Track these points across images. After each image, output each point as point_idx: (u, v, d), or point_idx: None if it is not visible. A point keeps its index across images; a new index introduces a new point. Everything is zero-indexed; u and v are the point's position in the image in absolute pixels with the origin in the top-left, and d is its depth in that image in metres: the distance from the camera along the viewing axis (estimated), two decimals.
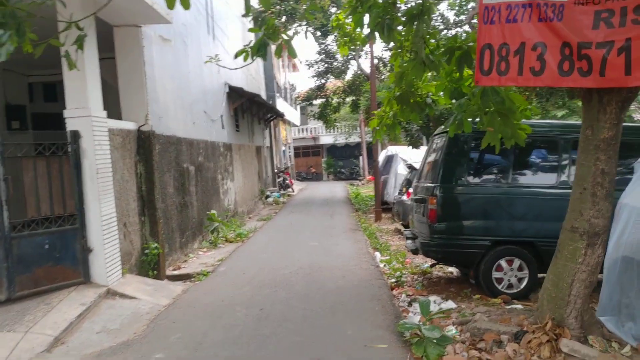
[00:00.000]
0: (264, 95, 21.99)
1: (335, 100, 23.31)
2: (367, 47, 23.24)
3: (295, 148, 40.09)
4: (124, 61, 7.65)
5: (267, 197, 20.81)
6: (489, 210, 6.75)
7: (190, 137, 10.51)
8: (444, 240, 6.78)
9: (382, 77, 21.65)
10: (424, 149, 19.66)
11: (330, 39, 22.59)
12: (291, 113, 33.44)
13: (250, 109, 18.40)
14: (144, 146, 7.72)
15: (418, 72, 6.20)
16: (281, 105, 26.44)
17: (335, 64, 22.74)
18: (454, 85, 6.62)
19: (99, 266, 6.14)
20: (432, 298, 6.53)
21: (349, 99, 31.76)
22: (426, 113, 7.51)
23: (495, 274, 6.67)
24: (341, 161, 41.05)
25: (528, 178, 6.85)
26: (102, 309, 5.65)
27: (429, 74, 6.77)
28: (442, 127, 7.62)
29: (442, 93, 7.47)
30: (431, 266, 7.78)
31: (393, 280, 7.44)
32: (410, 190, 12.25)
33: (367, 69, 21.76)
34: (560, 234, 4.56)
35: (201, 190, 11.11)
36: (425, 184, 7.37)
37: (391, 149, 25.87)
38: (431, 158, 7.69)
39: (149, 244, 7.57)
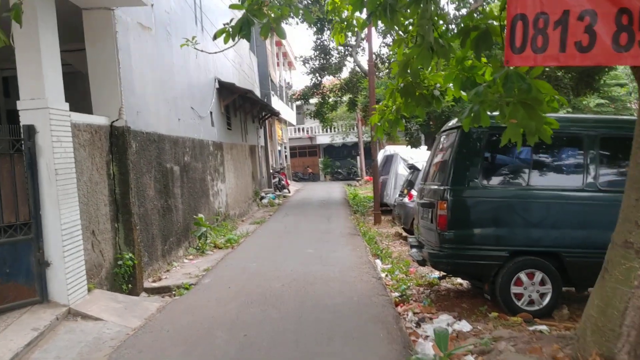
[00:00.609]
0: (258, 93, 21.17)
1: (332, 99, 22.46)
2: (364, 43, 22.44)
3: (292, 148, 39.26)
4: (94, 48, 6.81)
5: (262, 198, 19.97)
6: (507, 216, 5.94)
7: (174, 135, 9.67)
8: (455, 250, 5.97)
9: (380, 74, 20.86)
10: (423, 148, 18.91)
11: (326, 34, 21.77)
12: (287, 112, 32.61)
13: (243, 107, 17.55)
14: (117, 144, 6.88)
15: (425, 60, 5.39)
16: (276, 103, 25.61)
17: (332, 60, 21.92)
18: (465, 74, 5.78)
19: (58, 282, 5.30)
20: (443, 317, 5.72)
21: (345, 98, 30.95)
22: (432, 108, 6.71)
23: (514, 289, 5.86)
24: (338, 161, 40.25)
25: (550, 180, 6.04)
26: (59, 335, 4.81)
27: (437, 62, 5.95)
28: (453, 121, 6.81)
29: (451, 85, 6.70)
30: (440, 278, 6.96)
31: (397, 294, 6.63)
32: (413, 192, 11.44)
33: (364, 65, 20.94)
34: (608, 249, 3.74)
35: (188, 192, 10.27)
36: (433, 187, 6.55)
37: (389, 149, 25.11)
38: (439, 157, 6.88)
39: (123, 254, 6.73)
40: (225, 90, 14.37)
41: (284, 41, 31.76)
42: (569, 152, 6.07)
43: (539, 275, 5.84)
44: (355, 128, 36.78)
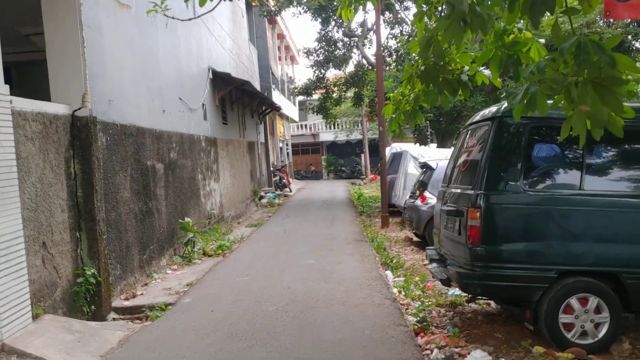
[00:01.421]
0: (257, 86, 20.01)
1: (336, 93, 21.24)
2: (371, 35, 21.24)
3: (294, 145, 38.10)
4: (53, 22, 5.67)
5: (261, 198, 18.84)
6: (554, 228, 4.78)
7: (158, 128, 8.52)
8: (490, 269, 4.81)
9: (387, 68, 19.64)
10: (433, 146, 17.70)
11: (331, 25, 20.57)
12: (289, 108, 31.45)
13: (241, 100, 16.41)
14: (80, 137, 5.73)
15: (455, 35, 4.23)
16: (278, 98, 24.47)
17: (336, 52, 20.70)
18: (506, 51, 4.58)
19: None
20: (477, 354, 4.56)
21: (350, 93, 29.61)
22: (458, 97, 5.56)
23: (563, 318, 4.70)
24: (342, 159, 39.04)
25: (610, 184, 4.87)
26: None
27: (469, 38, 4.79)
28: (485, 111, 5.64)
29: (482, 68, 5.54)
30: (468, 301, 5.80)
31: (415, 319, 5.48)
32: (427, 194, 10.28)
33: (371, 57, 19.72)
34: None
35: (174, 193, 9.13)
36: (460, 191, 5.39)
37: (396, 146, 23.95)
38: (466, 155, 5.71)
39: (85, 269, 5.59)
40: (221, 81, 13.22)
41: (286, 34, 30.60)
42: (635, 150, 4.90)
43: (593, 301, 4.68)
44: (359, 125, 35.58)
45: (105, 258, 5.92)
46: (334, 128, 37.56)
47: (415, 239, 11.22)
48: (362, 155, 35.53)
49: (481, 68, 5.50)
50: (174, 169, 9.23)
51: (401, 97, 6.52)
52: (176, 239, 8.89)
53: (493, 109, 5.39)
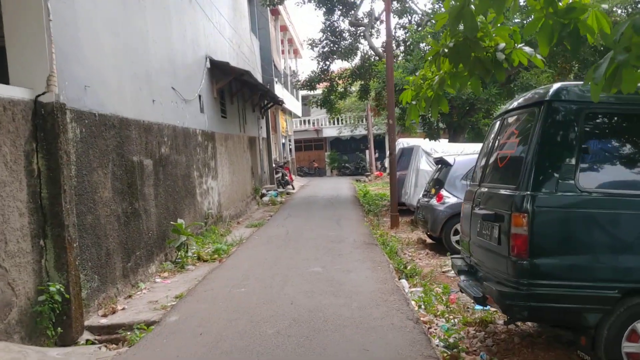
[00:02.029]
0: (259, 79, 19.10)
1: (341, 86, 20.27)
2: (378, 25, 20.29)
3: (297, 141, 37.18)
4: None
5: (263, 196, 17.95)
6: (618, 236, 3.89)
7: (146, 120, 7.63)
8: (540, 288, 3.91)
9: (395, 60, 18.65)
10: (444, 141, 16.73)
11: (336, 15, 19.62)
12: (292, 102, 30.54)
13: (241, 93, 15.51)
14: (45, 127, 4.84)
15: (495, 1, 3.42)
16: (280, 92, 23.55)
17: (342, 43, 19.73)
18: (559, 20, 3.65)
19: None
20: None
21: (355, 88, 28.45)
22: (490, 79, 4.68)
23: (627, 347, 3.82)
24: (346, 155, 38.14)
25: None
26: None
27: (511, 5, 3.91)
28: (529, 94, 4.71)
29: (523, 45, 4.67)
30: (506, 323, 4.89)
31: (443, 345, 4.59)
32: (444, 192, 9.38)
33: (379, 48, 18.79)
34: None
35: (165, 192, 8.25)
36: (499, 191, 4.49)
37: (403, 141, 23.03)
38: (504, 149, 4.80)
39: (51, 284, 4.71)
40: (219, 71, 12.32)
41: (289, 26, 29.66)
42: None
43: None
44: (364, 120, 34.64)
45: (76, 269, 5.04)
46: (338, 123, 36.63)
47: (428, 240, 10.33)
48: (367, 151, 34.61)
49: (520, 45, 4.61)
50: (165, 166, 8.34)
51: (422, 81, 5.62)
52: (167, 242, 8.02)
53: (540, 91, 4.47)
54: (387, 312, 4.99)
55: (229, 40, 14.46)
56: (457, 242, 9.04)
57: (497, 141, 5.02)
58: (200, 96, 10.96)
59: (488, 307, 5.36)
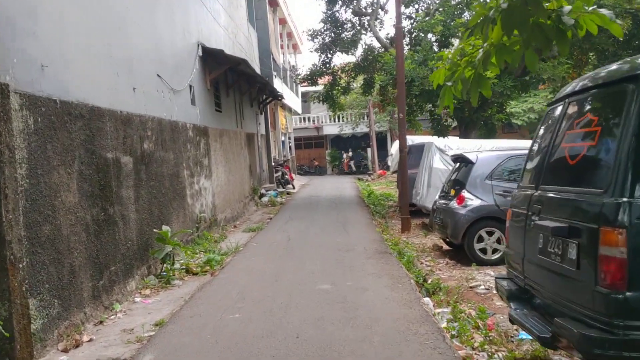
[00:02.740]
0: (257, 71, 17.97)
1: (343, 80, 19.13)
2: (382, 14, 19.19)
3: (297, 139, 36.06)
4: None
5: (262, 196, 16.86)
6: None
7: (125, 111, 6.54)
8: None
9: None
10: (454, 138, 15.58)
11: (338, 4, 18.48)
12: (292, 99, 29.45)
13: (238, 85, 14.41)
14: None
15: None
16: (280, 87, 22.45)
17: (344, 34, 18.60)
18: None
19: None
20: None
21: (357, 84, 27.17)
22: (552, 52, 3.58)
23: None
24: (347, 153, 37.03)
25: None
26: None
27: None
28: (614, 67, 3.57)
29: (594, 9, 3.64)
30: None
31: None
32: (465, 194, 8.30)
33: (384, 39, 17.68)
34: None
35: (148, 194, 7.15)
36: (569, 195, 3.40)
37: (409, 139, 21.96)
38: (575, 140, 3.69)
39: None
40: (212, 60, 11.22)
41: (288, 19, 28.54)
42: None
43: None
44: (365, 117, 33.53)
45: (23, 297, 3.94)
46: (339, 121, 35.51)
47: (445, 247, 9.27)
48: (369, 149, 33.51)
49: (593, 7, 3.55)
50: (149, 164, 7.25)
51: (459, 58, 4.55)
52: (151, 253, 6.92)
53: (624, 67, 3.37)
54: (420, 351, 3.89)
55: (224, 28, 13.36)
56: (481, 250, 7.98)
57: (559, 132, 3.92)
58: (191, 87, 9.86)
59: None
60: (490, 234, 7.99)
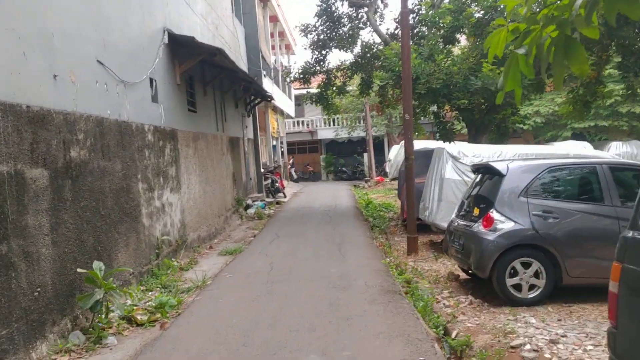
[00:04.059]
0: (245, 70, 16.16)
1: (339, 79, 17.31)
2: (381, 10, 17.44)
3: (290, 143, 34.23)
4: None
5: (248, 207, 15.03)
6: None
7: (34, 105, 4.71)
8: None
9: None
10: (462, 143, 13.70)
11: None
12: (284, 101, 27.65)
13: (220, 83, 12.60)
14: None
15: None
16: (270, 88, 20.65)
17: (341, 29, 16.82)
18: None
19: None
20: None
21: (352, 87, 25.26)
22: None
23: None
24: (342, 159, 35.20)
25: None
26: None
27: None
28: None
29: None
30: None
31: None
32: (495, 215, 6.49)
33: (384, 33, 15.92)
34: None
35: (75, 218, 5.31)
36: None
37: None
38: None
39: None
40: (185, 52, 9.42)
41: (280, 16, 26.77)
42: None
43: None
44: (361, 121, 31.74)
45: None
46: (334, 125, 33.72)
47: (463, 276, 7.51)
48: (365, 154, 31.72)
49: None
50: (78, 178, 5.42)
51: (535, 10, 2.74)
52: (78, 299, 5.08)
53: None
54: None
55: (201, 16, 11.55)
56: (515, 286, 6.18)
57: None
58: (153, 80, 8.05)
59: None
60: (526, 265, 6.21)
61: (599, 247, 6.00)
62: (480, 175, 7.52)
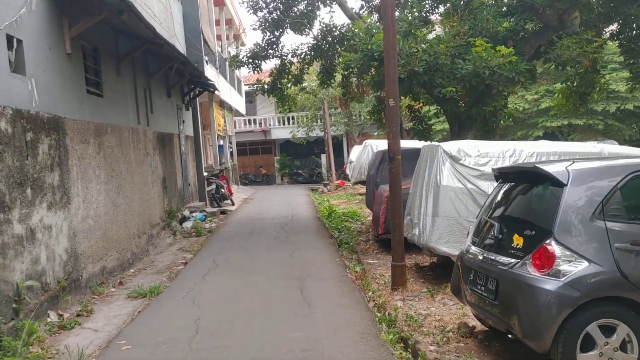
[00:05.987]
0: (182, 51, 13.23)
1: (295, 66, 14.66)
2: None
3: (240, 144, 31.26)
4: None
5: (184, 220, 12.15)
6: None
7: None
8: None
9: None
10: (455, 141, 11.21)
11: None
12: (234, 97, 24.75)
13: (142, 61, 9.71)
14: None
15: None
16: (215, 78, 17.78)
17: (297, 7, 14.19)
18: None
19: None
20: None
21: (311, 82, 22.68)
22: None
23: None
24: (298, 160, 32.57)
25: None
26: None
27: None
28: None
29: None
30: None
31: None
32: (555, 248, 3.95)
33: (349, 10, 13.37)
34: None
35: None
36: None
37: (371, 143, 17.73)
38: None
39: None
40: (77, 7, 6.54)
41: (227, 1, 23.84)
42: None
43: None
44: (320, 120, 29.19)
45: None
46: (289, 123, 31.04)
47: (480, 327, 5.09)
48: (324, 155, 29.21)
49: None
50: None
51: None
52: None
53: None
54: None
55: None
56: None
57: None
58: (15, 39, 5.17)
59: None
60: (608, 330, 3.83)
61: None
62: (506, 184, 5.08)
